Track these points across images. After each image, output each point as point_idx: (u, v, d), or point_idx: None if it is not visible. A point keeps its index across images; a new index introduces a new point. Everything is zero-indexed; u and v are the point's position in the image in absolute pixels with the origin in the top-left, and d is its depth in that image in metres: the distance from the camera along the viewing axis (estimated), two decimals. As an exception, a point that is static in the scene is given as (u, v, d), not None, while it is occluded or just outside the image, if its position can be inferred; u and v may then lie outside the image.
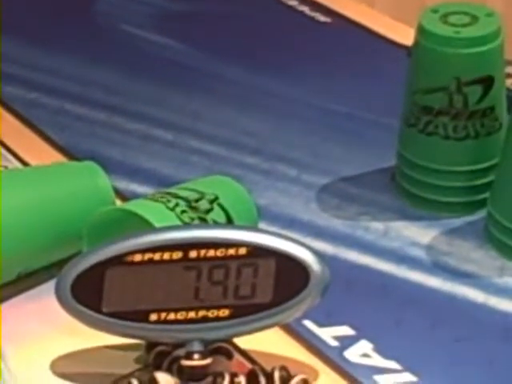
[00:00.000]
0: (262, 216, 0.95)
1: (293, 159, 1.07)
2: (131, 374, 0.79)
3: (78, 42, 1.25)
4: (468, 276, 0.93)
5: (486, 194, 0.98)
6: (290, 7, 1.32)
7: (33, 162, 1.02)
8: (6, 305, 0.88)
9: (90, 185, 0.92)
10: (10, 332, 0.83)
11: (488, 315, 0.89)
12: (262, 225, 0.92)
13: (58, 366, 0.81)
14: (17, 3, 1.32)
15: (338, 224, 0.98)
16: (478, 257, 0.95)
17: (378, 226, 0.98)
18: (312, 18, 1.30)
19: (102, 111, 1.10)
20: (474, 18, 0.97)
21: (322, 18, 1.30)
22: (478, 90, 0.96)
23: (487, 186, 0.98)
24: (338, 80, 1.19)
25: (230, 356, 0.80)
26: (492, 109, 0.98)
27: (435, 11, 0.98)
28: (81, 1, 1.36)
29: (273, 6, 1.33)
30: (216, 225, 0.84)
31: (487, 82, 0.96)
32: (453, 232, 0.98)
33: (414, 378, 0.81)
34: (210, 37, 1.27)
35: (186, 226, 0.82)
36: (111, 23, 1.30)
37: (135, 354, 0.82)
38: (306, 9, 1.32)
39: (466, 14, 0.97)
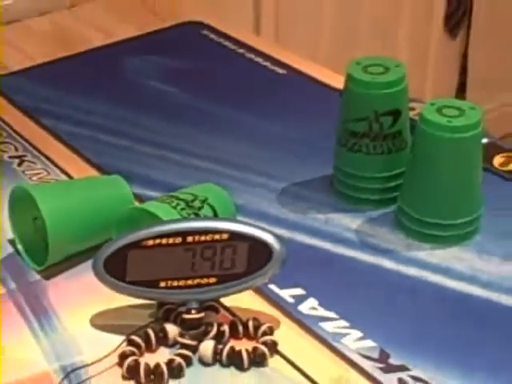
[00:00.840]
0: (240, 212, 0.94)
1: (261, 171, 1.06)
2: (147, 325, 0.79)
3: (110, 90, 1.25)
4: (384, 251, 0.93)
5: (397, 193, 0.98)
6: (257, 63, 1.32)
7: (76, 175, 1.02)
8: (59, 278, 0.88)
9: (116, 191, 0.91)
10: (61, 299, 0.84)
11: (399, 279, 0.89)
12: (239, 218, 0.90)
13: (96, 322, 0.82)
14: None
15: (292, 216, 0.98)
16: (391, 238, 0.95)
17: (321, 217, 0.98)
18: (273, 71, 1.29)
19: (126, 139, 1.10)
20: (387, 69, 0.97)
21: (280, 71, 1.29)
22: (389, 119, 0.96)
23: (397, 187, 0.98)
24: (293, 114, 1.18)
25: (217, 311, 0.82)
26: (400, 132, 0.98)
27: (358, 63, 0.97)
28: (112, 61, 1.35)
29: (246, 63, 1.32)
30: (206, 218, 0.84)
31: (396, 114, 0.97)
32: (374, 221, 0.98)
33: (347, 324, 0.81)
34: (204, 85, 1.26)
35: (184, 219, 0.82)
36: (134, 76, 1.29)
37: (149, 311, 0.82)
38: (268, 64, 1.31)
39: (380, 65, 0.97)
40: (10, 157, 1.06)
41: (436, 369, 0.77)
